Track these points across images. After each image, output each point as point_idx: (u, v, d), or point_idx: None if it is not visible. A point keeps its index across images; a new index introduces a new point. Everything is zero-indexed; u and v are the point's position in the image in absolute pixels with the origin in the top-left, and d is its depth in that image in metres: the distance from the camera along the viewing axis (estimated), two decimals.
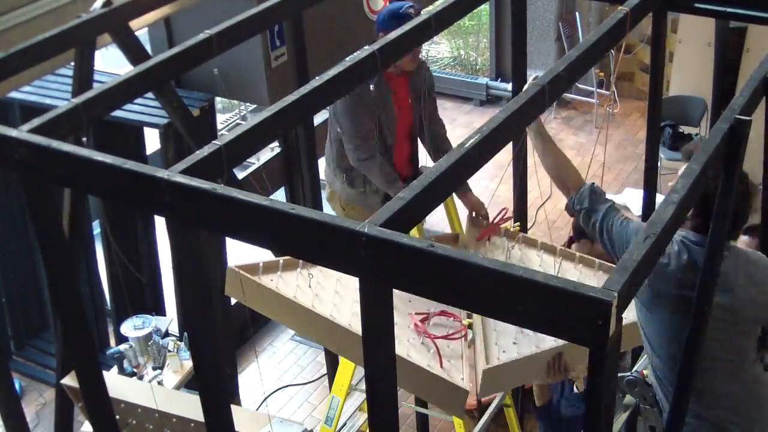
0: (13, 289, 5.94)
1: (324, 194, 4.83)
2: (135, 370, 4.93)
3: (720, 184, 2.52)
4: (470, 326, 3.22)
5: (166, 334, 5.23)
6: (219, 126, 6.51)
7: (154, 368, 4.93)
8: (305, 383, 5.89)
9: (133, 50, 4.01)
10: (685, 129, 7.78)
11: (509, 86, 9.27)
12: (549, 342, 2.99)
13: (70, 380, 3.93)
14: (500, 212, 3.68)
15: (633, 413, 3.73)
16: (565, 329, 1.67)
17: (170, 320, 5.45)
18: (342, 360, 4.09)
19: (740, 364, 3.10)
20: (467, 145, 2.08)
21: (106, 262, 5.66)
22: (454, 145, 2.14)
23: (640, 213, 4.14)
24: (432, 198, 2.02)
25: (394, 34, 2.78)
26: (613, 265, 3.65)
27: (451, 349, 3.04)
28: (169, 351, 4.96)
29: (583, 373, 3.76)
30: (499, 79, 9.57)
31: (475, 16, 10.82)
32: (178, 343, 5.01)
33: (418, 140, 4.73)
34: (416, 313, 3.16)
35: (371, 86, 4.33)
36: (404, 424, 5.14)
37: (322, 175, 4.90)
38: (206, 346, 2.30)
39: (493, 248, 3.68)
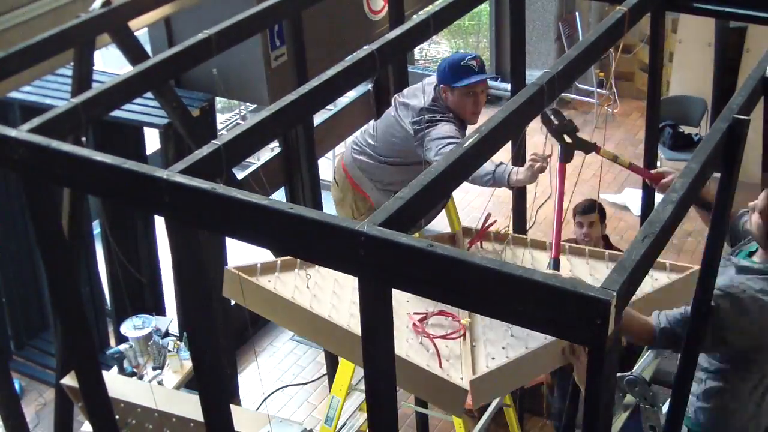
0: (13, 289, 5.94)
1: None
2: (135, 370, 4.93)
3: (719, 183, 2.52)
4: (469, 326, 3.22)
5: (166, 334, 5.23)
6: (219, 126, 6.51)
7: (154, 368, 4.93)
8: (305, 383, 5.89)
9: (132, 50, 4.01)
10: (685, 129, 7.78)
11: (509, 86, 9.30)
12: (539, 341, 2.98)
13: (70, 380, 3.93)
14: (486, 218, 3.68)
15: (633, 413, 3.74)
16: (564, 329, 1.67)
17: (170, 320, 5.45)
18: (342, 360, 4.09)
19: None
20: (466, 145, 2.09)
21: (106, 262, 5.66)
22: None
23: (639, 213, 4.14)
24: (431, 198, 2.02)
25: (392, 34, 2.79)
26: (603, 250, 3.67)
27: (450, 348, 3.04)
28: (169, 351, 4.96)
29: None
30: (499, 79, 9.57)
31: (475, 16, 10.83)
32: (178, 343, 5.01)
33: None
34: (414, 313, 3.16)
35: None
36: (404, 424, 5.14)
37: (322, 175, 4.89)
38: (206, 346, 2.31)
39: (485, 254, 3.68)
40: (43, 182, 2.34)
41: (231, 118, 8.65)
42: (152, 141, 5.49)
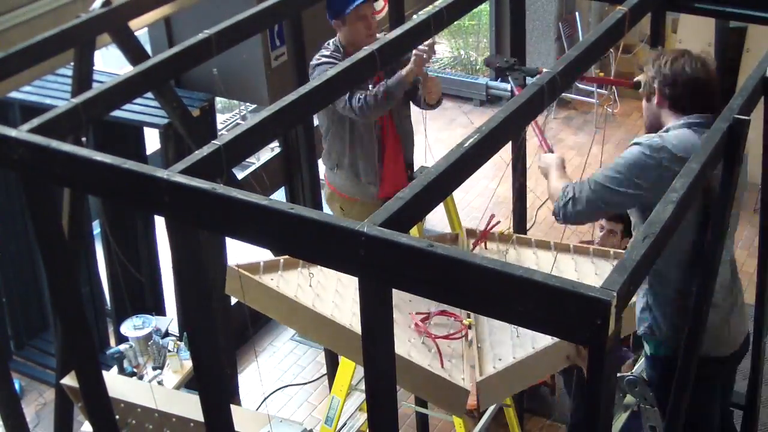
0: (13, 289, 5.94)
1: (323, 195, 4.82)
2: (135, 370, 4.93)
3: (720, 182, 2.52)
4: (470, 326, 3.22)
5: (166, 334, 5.23)
6: (219, 126, 6.51)
7: (154, 368, 4.93)
8: (305, 383, 5.89)
9: (132, 50, 4.01)
10: None
11: (509, 86, 9.30)
12: (546, 340, 2.97)
13: (70, 380, 3.93)
14: (489, 219, 3.68)
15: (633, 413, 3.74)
16: (564, 329, 1.67)
17: (170, 320, 5.45)
18: (342, 360, 4.09)
19: None
20: (466, 145, 2.09)
21: (106, 262, 5.66)
22: (453, 145, 2.14)
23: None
24: (431, 198, 2.02)
25: (393, 34, 2.79)
26: (606, 249, 3.66)
27: (452, 348, 3.04)
28: (169, 351, 4.96)
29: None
30: (499, 79, 9.56)
31: (475, 16, 10.82)
32: (178, 343, 5.01)
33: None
34: (417, 313, 3.16)
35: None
36: (404, 424, 5.14)
37: (322, 175, 4.89)
38: (206, 346, 2.31)
39: (489, 255, 3.68)
40: (43, 182, 2.34)
41: (231, 118, 8.64)
42: (152, 141, 5.49)
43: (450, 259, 1.69)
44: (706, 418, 3.32)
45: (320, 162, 4.92)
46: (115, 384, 3.78)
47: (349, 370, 4.00)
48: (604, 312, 1.58)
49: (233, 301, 5.03)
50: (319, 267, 3.33)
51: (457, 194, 4.39)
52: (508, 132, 2.27)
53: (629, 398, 3.57)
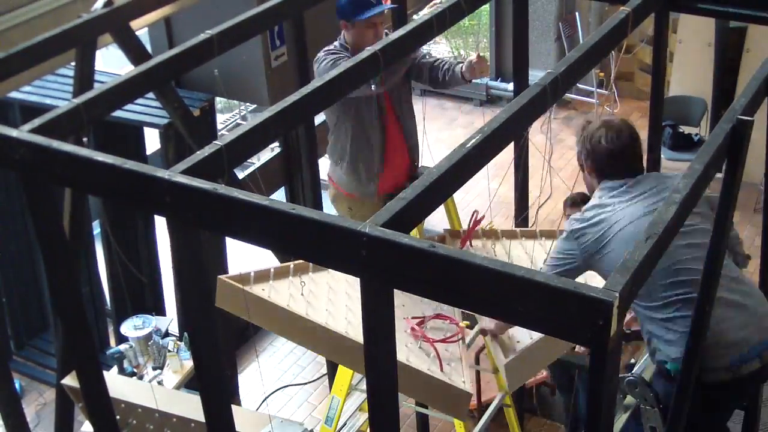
0: (13, 289, 5.94)
1: (328, 196, 4.82)
2: (135, 370, 4.93)
3: (722, 185, 2.52)
4: (468, 327, 3.22)
5: (166, 334, 5.23)
6: (219, 126, 6.51)
7: (154, 368, 4.93)
8: (305, 383, 5.89)
9: (134, 50, 4.01)
10: (685, 129, 7.78)
11: (509, 86, 9.31)
12: None
13: (70, 380, 3.92)
14: (472, 216, 3.67)
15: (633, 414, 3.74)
16: (565, 329, 1.66)
17: (170, 320, 5.45)
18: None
19: None
20: (469, 146, 2.08)
21: (106, 262, 5.66)
22: (454, 145, 2.13)
23: None
24: (433, 198, 2.02)
25: (395, 35, 2.78)
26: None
27: (450, 352, 3.03)
28: (169, 351, 4.96)
29: None
30: (499, 79, 9.57)
31: (475, 16, 10.81)
32: (178, 343, 5.01)
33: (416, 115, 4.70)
34: (412, 317, 3.14)
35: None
36: (404, 425, 5.14)
37: (322, 175, 4.89)
38: (206, 346, 2.30)
39: (474, 252, 3.67)
40: (43, 182, 2.34)
41: (231, 118, 8.64)
42: (152, 141, 5.49)
43: (451, 259, 1.69)
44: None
45: (321, 162, 4.92)
46: (116, 384, 3.77)
47: (349, 370, 3.99)
48: (606, 313, 1.58)
49: None
50: (309, 274, 3.32)
51: (457, 194, 4.37)
52: (510, 132, 2.27)
53: (629, 399, 3.57)
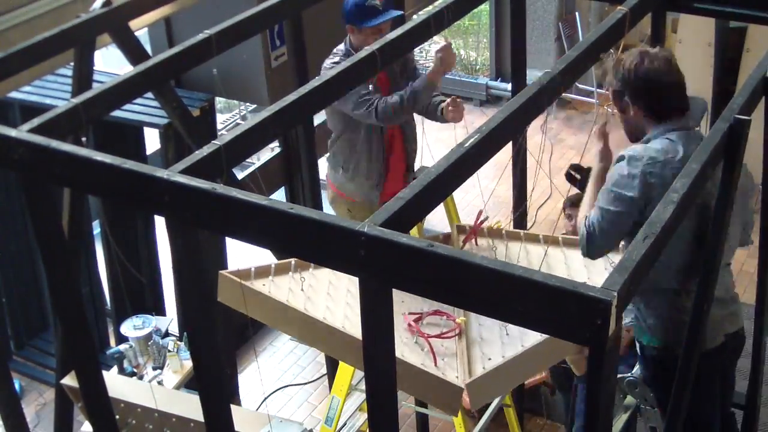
0: (13, 289, 5.94)
1: (326, 197, 4.83)
2: (135, 370, 4.92)
3: (720, 184, 2.52)
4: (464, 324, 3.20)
5: (166, 334, 5.22)
6: (219, 126, 6.51)
7: (154, 368, 4.92)
8: (305, 383, 5.89)
9: (132, 50, 4.00)
10: None
11: (509, 86, 9.30)
12: (535, 338, 2.97)
13: (70, 380, 3.93)
14: (477, 215, 3.68)
15: (633, 415, 3.74)
16: (564, 329, 1.67)
17: (170, 320, 5.45)
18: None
19: None
20: (467, 145, 2.09)
21: (106, 262, 5.66)
22: (453, 145, 2.13)
23: None
24: (432, 198, 2.02)
25: (393, 35, 2.79)
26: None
27: (445, 347, 3.03)
28: (169, 351, 4.96)
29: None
30: (499, 79, 9.57)
31: (475, 16, 10.82)
32: (178, 343, 5.00)
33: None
34: (410, 313, 3.15)
35: None
36: (404, 424, 5.14)
37: (322, 176, 4.89)
38: (206, 346, 2.31)
39: (480, 251, 3.67)
40: (43, 182, 2.34)
41: (231, 118, 8.64)
42: (152, 141, 5.49)
43: (450, 259, 1.69)
44: (704, 418, 3.32)
45: (321, 162, 4.92)
46: (115, 384, 3.77)
47: (350, 369, 3.99)
48: (605, 312, 1.58)
49: None
50: (310, 271, 3.33)
51: (457, 194, 4.38)
52: (508, 132, 2.27)
53: (629, 399, 3.57)
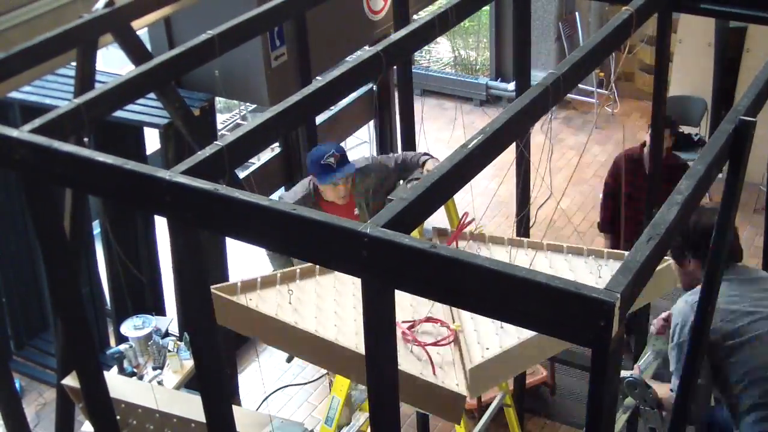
0: (13, 289, 5.94)
1: None
2: (135, 370, 4.92)
3: (725, 186, 2.52)
4: (458, 330, 3.19)
5: (166, 334, 5.22)
6: (219, 126, 6.51)
7: (154, 368, 4.92)
8: (305, 383, 5.88)
9: (135, 50, 4.00)
10: (685, 129, 7.78)
11: (509, 86, 9.32)
12: (531, 331, 2.95)
13: (70, 380, 3.92)
14: (462, 217, 3.66)
15: (634, 416, 3.74)
16: (567, 330, 1.66)
17: (170, 320, 5.45)
18: None
19: None
20: (470, 146, 2.08)
21: (106, 262, 5.66)
22: (454, 145, 2.13)
23: None
24: (435, 199, 2.01)
25: (398, 35, 2.78)
26: (580, 246, 3.66)
27: (441, 356, 3.01)
28: (169, 351, 4.96)
29: None
30: (499, 79, 9.58)
31: (475, 17, 10.81)
32: (178, 343, 5.00)
33: None
34: (402, 322, 3.13)
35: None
36: (404, 424, 5.14)
37: None
38: (206, 346, 2.30)
39: None
40: (44, 182, 2.33)
41: (231, 118, 8.64)
42: (152, 141, 5.49)
43: (453, 260, 1.69)
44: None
45: None
46: (116, 384, 3.77)
47: None
48: (608, 314, 1.57)
49: None
50: (296, 282, 3.31)
51: (458, 194, 4.39)
52: (512, 133, 2.27)
53: (629, 400, 3.56)
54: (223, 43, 2.87)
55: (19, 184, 5.01)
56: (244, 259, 5.69)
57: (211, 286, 3.09)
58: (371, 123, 7.02)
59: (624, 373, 3.41)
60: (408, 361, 2.94)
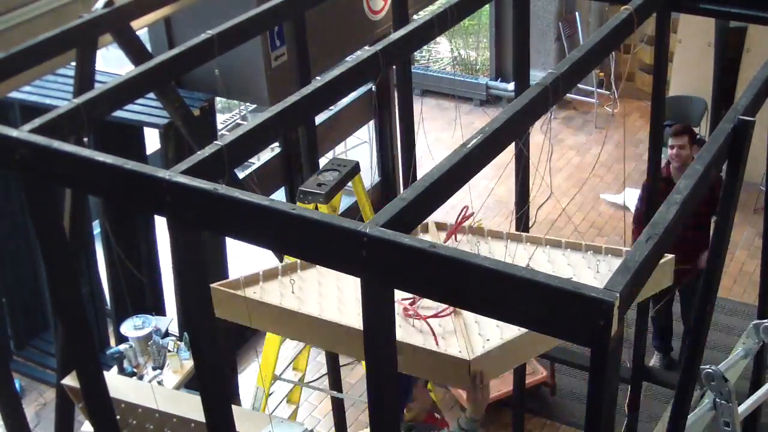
0: (13, 289, 5.94)
1: None
2: (135, 370, 4.92)
3: (723, 185, 2.52)
4: None
5: (166, 334, 5.23)
6: (219, 126, 6.50)
7: (154, 368, 4.92)
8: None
9: (134, 50, 4.00)
10: None
11: (509, 86, 9.32)
12: None
13: (70, 380, 3.92)
14: (462, 210, 3.66)
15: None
16: (566, 330, 1.66)
17: (170, 320, 5.45)
18: (265, 352, 4.14)
19: None
20: (470, 146, 2.08)
21: (106, 262, 5.66)
22: (454, 145, 2.13)
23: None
24: (434, 199, 2.01)
25: (397, 35, 2.78)
26: (578, 242, 3.65)
27: (442, 327, 3.06)
28: (169, 351, 4.96)
29: None
30: (499, 79, 9.58)
31: (475, 16, 10.81)
32: (178, 343, 5.01)
33: None
34: (403, 299, 3.17)
35: None
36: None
37: None
38: (206, 346, 2.30)
39: (460, 247, 3.66)
40: (44, 182, 2.33)
41: (231, 118, 8.64)
42: (152, 141, 5.49)
43: (452, 259, 1.69)
44: None
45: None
46: (116, 384, 3.77)
47: (272, 360, 4.04)
48: (607, 313, 1.57)
49: None
50: (298, 273, 3.34)
51: (457, 194, 4.38)
52: (511, 133, 2.27)
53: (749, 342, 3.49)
54: (223, 43, 2.87)
55: (18, 184, 5.01)
56: (244, 259, 5.69)
57: (215, 283, 3.14)
58: (371, 123, 7.02)
59: (703, 366, 3.34)
60: (410, 335, 2.98)
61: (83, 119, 2.42)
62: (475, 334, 3.03)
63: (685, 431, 3.26)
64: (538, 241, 3.58)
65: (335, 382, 4.84)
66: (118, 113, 3.50)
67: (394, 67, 4.25)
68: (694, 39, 7.86)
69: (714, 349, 5.45)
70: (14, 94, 4.77)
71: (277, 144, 5.97)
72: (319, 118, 5.94)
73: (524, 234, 3.68)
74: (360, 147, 7.95)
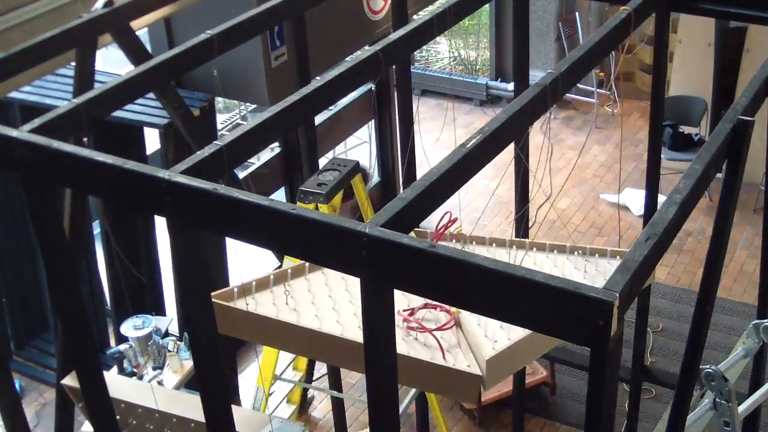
0: (13, 289, 5.94)
1: None
2: (135, 370, 4.92)
3: (723, 185, 2.52)
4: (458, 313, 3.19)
5: (166, 334, 5.22)
6: (219, 126, 6.50)
7: (154, 368, 4.92)
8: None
9: (134, 50, 4.00)
10: (685, 129, 7.79)
11: (509, 86, 9.32)
12: None
13: (70, 380, 3.92)
14: (443, 216, 3.66)
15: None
16: (566, 330, 1.66)
17: (170, 320, 5.45)
18: (265, 352, 4.10)
19: None
20: (469, 146, 2.08)
21: (106, 262, 5.65)
22: (453, 145, 2.13)
23: (641, 212, 4.14)
24: (433, 199, 2.02)
25: (397, 34, 2.78)
26: (563, 244, 3.63)
27: (446, 340, 3.04)
28: (169, 351, 4.96)
29: None
30: (499, 79, 9.57)
31: (475, 16, 10.81)
32: (178, 343, 5.01)
33: None
34: (403, 311, 3.15)
35: None
36: (404, 424, 5.14)
37: None
38: (206, 346, 2.30)
39: None
40: (44, 182, 2.33)
41: (231, 118, 8.64)
42: (152, 141, 5.49)
43: (452, 259, 1.69)
44: None
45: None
46: (116, 384, 3.77)
47: (272, 360, 4.02)
48: (607, 313, 1.57)
49: None
50: (288, 282, 3.32)
51: (457, 194, 4.39)
52: (510, 133, 2.27)
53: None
54: (223, 43, 2.87)
55: (19, 184, 5.01)
56: (244, 259, 5.69)
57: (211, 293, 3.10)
58: (371, 123, 7.02)
59: (703, 366, 3.34)
60: (416, 348, 2.95)
61: (83, 119, 2.42)
62: (478, 344, 3.02)
63: (684, 431, 3.25)
64: (521, 245, 3.58)
65: (335, 382, 4.83)
66: (118, 113, 3.50)
67: (393, 67, 4.25)
68: (694, 39, 7.86)
69: (714, 349, 5.46)
70: (14, 94, 4.77)
71: (277, 144, 5.97)
72: (319, 118, 5.94)
73: (508, 239, 3.67)
74: (360, 147, 7.95)
